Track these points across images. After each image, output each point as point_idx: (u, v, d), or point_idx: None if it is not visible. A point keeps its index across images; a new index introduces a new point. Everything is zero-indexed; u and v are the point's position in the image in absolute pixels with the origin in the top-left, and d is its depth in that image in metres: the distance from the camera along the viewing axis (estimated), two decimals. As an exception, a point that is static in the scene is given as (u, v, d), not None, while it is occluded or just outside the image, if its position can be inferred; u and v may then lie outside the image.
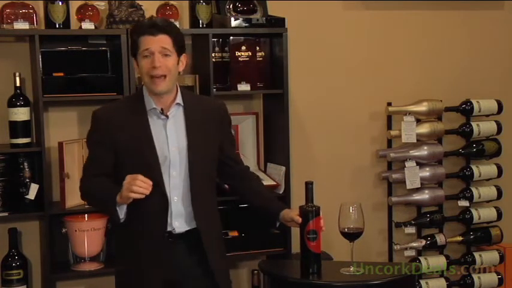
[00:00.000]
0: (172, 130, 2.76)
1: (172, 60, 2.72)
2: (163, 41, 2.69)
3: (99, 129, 2.78)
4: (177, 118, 2.79)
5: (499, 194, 4.40)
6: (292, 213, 2.83)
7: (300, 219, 2.79)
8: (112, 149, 2.74)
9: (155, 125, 2.75)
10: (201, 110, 2.84)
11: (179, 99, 2.80)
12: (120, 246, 2.90)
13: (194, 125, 2.79)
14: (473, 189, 4.35)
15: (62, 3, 3.58)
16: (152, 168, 2.71)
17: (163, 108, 2.76)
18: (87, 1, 3.69)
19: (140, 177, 2.62)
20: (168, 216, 2.75)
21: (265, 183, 3.53)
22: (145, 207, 2.70)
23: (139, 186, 2.60)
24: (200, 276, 2.81)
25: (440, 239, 4.28)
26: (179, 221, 2.77)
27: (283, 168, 3.84)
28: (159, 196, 2.71)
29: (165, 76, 2.70)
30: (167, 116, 2.76)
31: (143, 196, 2.61)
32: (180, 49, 2.75)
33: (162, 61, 2.68)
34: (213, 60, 3.71)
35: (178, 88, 2.83)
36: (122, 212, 2.69)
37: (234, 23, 3.73)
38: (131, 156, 2.72)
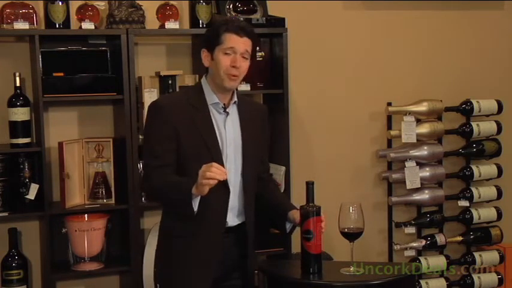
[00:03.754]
0: (230, 126, 2.82)
1: (247, 64, 2.79)
2: (247, 44, 2.76)
3: (162, 120, 2.75)
4: (233, 115, 2.85)
5: (499, 194, 4.40)
6: (295, 214, 2.85)
7: (298, 219, 2.81)
8: (175, 140, 2.74)
9: (216, 119, 2.80)
10: (250, 110, 2.92)
11: (236, 98, 2.86)
12: (169, 243, 2.85)
13: (246, 123, 2.86)
14: (473, 189, 4.35)
15: (62, 3, 3.58)
16: (215, 160, 2.72)
17: (225, 103, 2.82)
18: (87, 1, 3.69)
19: (215, 164, 2.62)
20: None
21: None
22: (208, 199, 2.70)
23: (213, 172, 2.58)
24: (237, 269, 2.89)
25: (440, 239, 4.28)
26: (231, 215, 2.82)
27: (283, 168, 3.84)
28: (222, 188, 2.74)
29: (238, 76, 2.78)
30: (227, 113, 2.82)
31: (215, 182, 2.58)
32: (253, 56, 2.83)
33: (241, 63, 2.75)
34: (213, 60, 3.71)
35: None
36: (195, 204, 2.67)
37: (234, 23, 3.72)
38: (195, 148, 2.74)
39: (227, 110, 2.82)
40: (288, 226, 2.92)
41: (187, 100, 2.80)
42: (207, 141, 2.75)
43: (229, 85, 2.77)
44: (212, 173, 2.56)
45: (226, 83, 2.76)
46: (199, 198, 2.65)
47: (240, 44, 2.74)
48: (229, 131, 2.81)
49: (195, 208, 2.66)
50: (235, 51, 2.74)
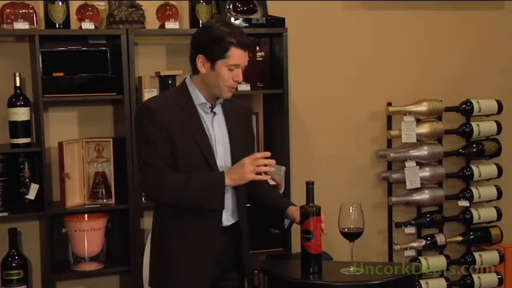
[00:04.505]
0: (217, 126, 2.83)
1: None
2: (247, 57, 2.78)
3: (154, 121, 2.74)
4: (219, 115, 2.85)
5: (499, 194, 4.40)
6: (295, 212, 2.85)
7: (298, 218, 2.81)
8: (169, 140, 2.73)
9: (204, 119, 2.80)
10: (235, 109, 2.91)
11: (220, 98, 2.85)
12: (165, 244, 2.84)
13: (232, 122, 2.86)
14: (473, 189, 4.35)
15: (62, 3, 3.58)
16: (209, 161, 2.75)
17: (212, 104, 2.82)
18: (87, 1, 3.69)
19: (258, 154, 2.70)
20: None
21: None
22: None
23: (262, 164, 2.67)
24: (234, 268, 2.89)
25: (440, 239, 4.28)
26: (225, 214, 2.82)
27: (283, 168, 3.84)
28: None
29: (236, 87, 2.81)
30: (214, 112, 2.83)
31: (268, 177, 2.72)
32: None
33: (241, 75, 2.78)
34: (213, 60, 3.71)
35: None
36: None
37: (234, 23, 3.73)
38: (187, 148, 2.74)
39: (214, 110, 2.82)
40: (286, 222, 2.91)
41: (175, 101, 2.79)
42: (199, 141, 2.74)
43: (228, 96, 2.79)
44: (260, 166, 2.67)
45: (225, 94, 2.77)
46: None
47: (244, 59, 2.76)
48: (217, 130, 2.81)
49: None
50: (240, 67, 2.75)
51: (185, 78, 2.85)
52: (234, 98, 2.94)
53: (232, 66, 2.72)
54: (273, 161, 2.70)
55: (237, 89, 2.89)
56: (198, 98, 2.79)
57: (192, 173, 2.73)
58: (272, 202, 2.96)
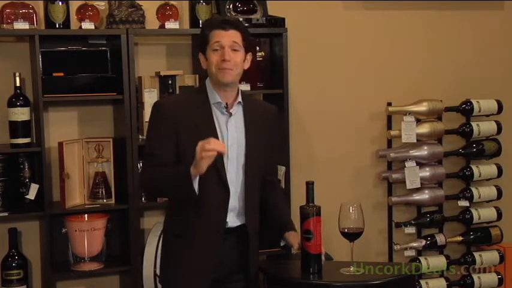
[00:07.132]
0: (232, 127, 2.81)
1: (241, 56, 2.79)
2: (233, 36, 2.76)
3: (163, 119, 2.76)
4: (237, 116, 2.84)
5: (499, 194, 4.40)
6: (294, 240, 2.87)
7: (296, 246, 2.84)
8: (175, 139, 2.74)
9: (218, 119, 2.79)
10: (258, 111, 2.90)
11: (240, 98, 2.85)
12: (170, 243, 2.86)
13: (252, 125, 2.84)
14: (473, 189, 4.35)
15: (62, 3, 3.58)
16: (216, 160, 2.71)
17: (227, 103, 2.81)
18: (87, 1, 3.69)
19: (213, 139, 2.61)
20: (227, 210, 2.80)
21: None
22: (206, 199, 2.73)
23: (212, 144, 2.57)
24: (240, 271, 2.88)
25: (440, 239, 4.28)
26: (231, 215, 2.81)
27: (283, 168, 3.84)
28: (221, 188, 2.76)
29: (232, 69, 2.77)
30: (230, 113, 2.81)
31: (215, 154, 2.57)
32: (247, 46, 2.82)
33: (232, 55, 2.75)
34: (213, 60, 3.71)
35: (239, 87, 2.89)
36: (195, 184, 2.65)
37: (234, 23, 3.72)
38: (193, 147, 2.69)
39: (230, 111, 2.81)
40: (282, 244, 2.94)
41: (190, 100, 2.81)
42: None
43: (224, 79, 2.76)
44: (211, 145, 2.57)
45: (220, 78, 2.76)
46: (198, 179, 2.63)
47: (225, 37, 2.75)
48: (231, 131, 2.80)
49: (196, 188, 2.64)
50: (223, 46, 2.74)
51: (203, 79, 2.88)
52: (260, 100, 2.93)
53: (215, 45, 2.74)
54: (223, 149, 2.61)
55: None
56: (214, 97, 2.80)
57: (170, 167, 2.71)
58: (276, 216, 2.97)
